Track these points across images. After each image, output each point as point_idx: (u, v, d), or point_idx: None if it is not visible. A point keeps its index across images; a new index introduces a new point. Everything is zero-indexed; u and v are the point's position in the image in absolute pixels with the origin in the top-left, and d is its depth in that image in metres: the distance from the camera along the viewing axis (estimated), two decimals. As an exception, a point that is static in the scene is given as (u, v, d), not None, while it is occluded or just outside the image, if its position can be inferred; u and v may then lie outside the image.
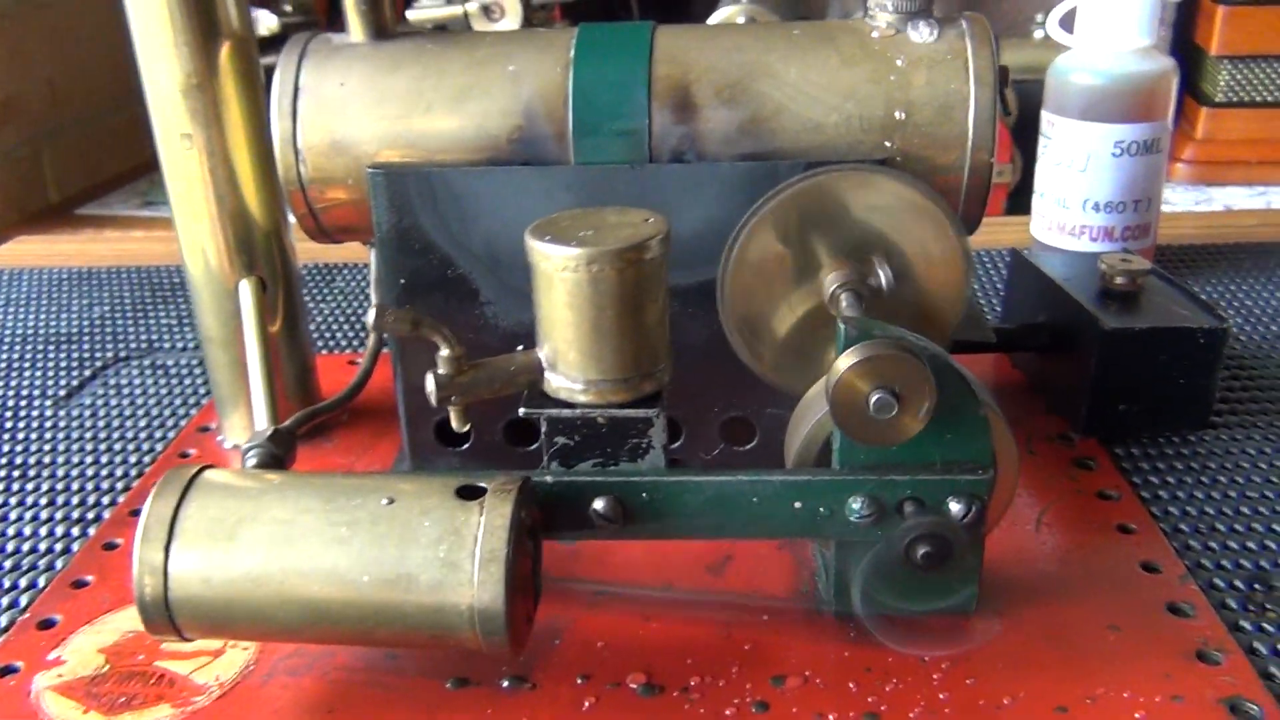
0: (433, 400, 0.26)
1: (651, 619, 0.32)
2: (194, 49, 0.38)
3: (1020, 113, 0.99)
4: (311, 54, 0.37)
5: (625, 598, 0.33)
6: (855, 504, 0.29)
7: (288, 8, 1.05)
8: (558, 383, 0.27)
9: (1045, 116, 0.54)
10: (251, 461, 0.31)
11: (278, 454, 0.32)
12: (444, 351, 0.26)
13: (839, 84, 0.35)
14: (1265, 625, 0.31)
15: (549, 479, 0.29)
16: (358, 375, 0.42)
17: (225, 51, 0.38)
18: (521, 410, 0.27)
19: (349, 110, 0.36)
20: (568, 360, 0.27)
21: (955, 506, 0.29)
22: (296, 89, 0.36)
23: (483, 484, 0.27)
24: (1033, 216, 0.56)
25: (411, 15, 1.05)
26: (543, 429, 0.29)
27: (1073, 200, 0.53)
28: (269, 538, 0.26)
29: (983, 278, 0.58)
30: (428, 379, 0.26)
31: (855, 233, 0.33)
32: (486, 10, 1.04)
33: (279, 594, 0.26)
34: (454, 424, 0.27)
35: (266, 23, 1.01)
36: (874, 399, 0.27)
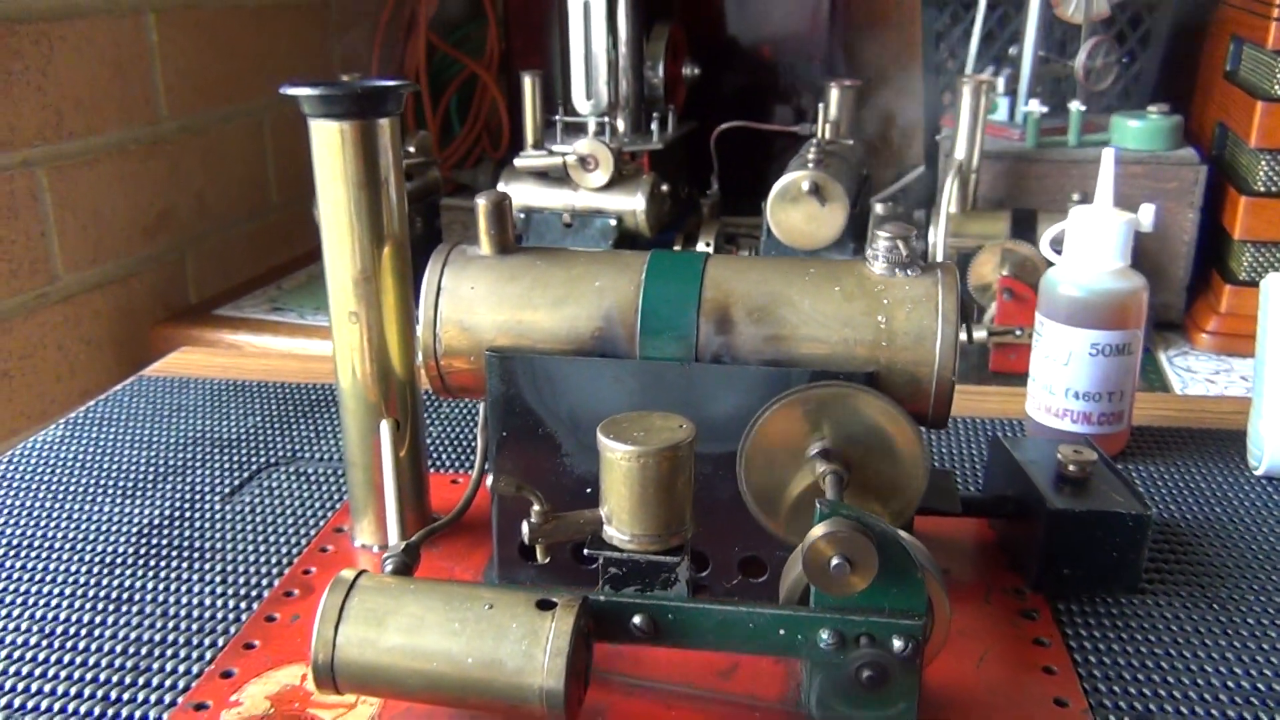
0: (526, 541, 0.38)
1: (672, 709, 0.43)
2: (365, 251, 0.51)
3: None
4: (451, 263, 0.50)
5: (653, 691, 0.44)
6: (824, 634, 0.40)
7: (411, 149, 1.21)
8: (612, 534, 0.39)
9: (1038, 317, 0.65)
10: (389, 568, 0.43)
11: (408, 562, 0.44)
12: (536, 507, 0.38)
13: (840, 314, 0.46)
14: (1140, 755, 0.41)
15: (602, 599, 0.40)
16: (462, 500, 0.54)
17: (387, 252, 0.51)
18: (586, 550, 0.39)
19: (476, 308, 0.49)
20: (620, 519, 0.38)
21: (897, 643, 0.39)
22: (439, 289, 0.49)
23: (555, 600, 0.39)
24: (1027, 397, 0.67)
25: (518, 162, 1.21)
26: (600, 563, 0.40)
27: (1057, 388, 0.64)
28: (405, 627, 0.38)
29: (983, 447, 0.68)
30: (523, 526, 0.38)
31: (843, 429, 0.44)
32: (583, 161, 1.19)
33: (409, 666, 0.38)
34: (539, 557, 0.39)
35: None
36: (833, 563, 0.37)
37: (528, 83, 1.19)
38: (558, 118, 1.27)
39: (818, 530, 0.38)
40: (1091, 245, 0.62)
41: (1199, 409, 0.73)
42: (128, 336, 1.23)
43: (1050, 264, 0.66)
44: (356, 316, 0.52)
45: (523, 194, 1.18)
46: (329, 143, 0.49)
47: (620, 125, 1.29)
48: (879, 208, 1.08)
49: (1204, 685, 0.45)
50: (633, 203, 1.16)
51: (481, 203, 0.49)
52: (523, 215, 1.17)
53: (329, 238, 0.51)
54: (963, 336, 0.46)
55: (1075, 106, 1.16)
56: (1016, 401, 0.71)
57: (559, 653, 0.37)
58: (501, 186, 1.18)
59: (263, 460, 0.65)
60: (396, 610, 0.38)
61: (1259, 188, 1.08)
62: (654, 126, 1.28)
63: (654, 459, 0.37)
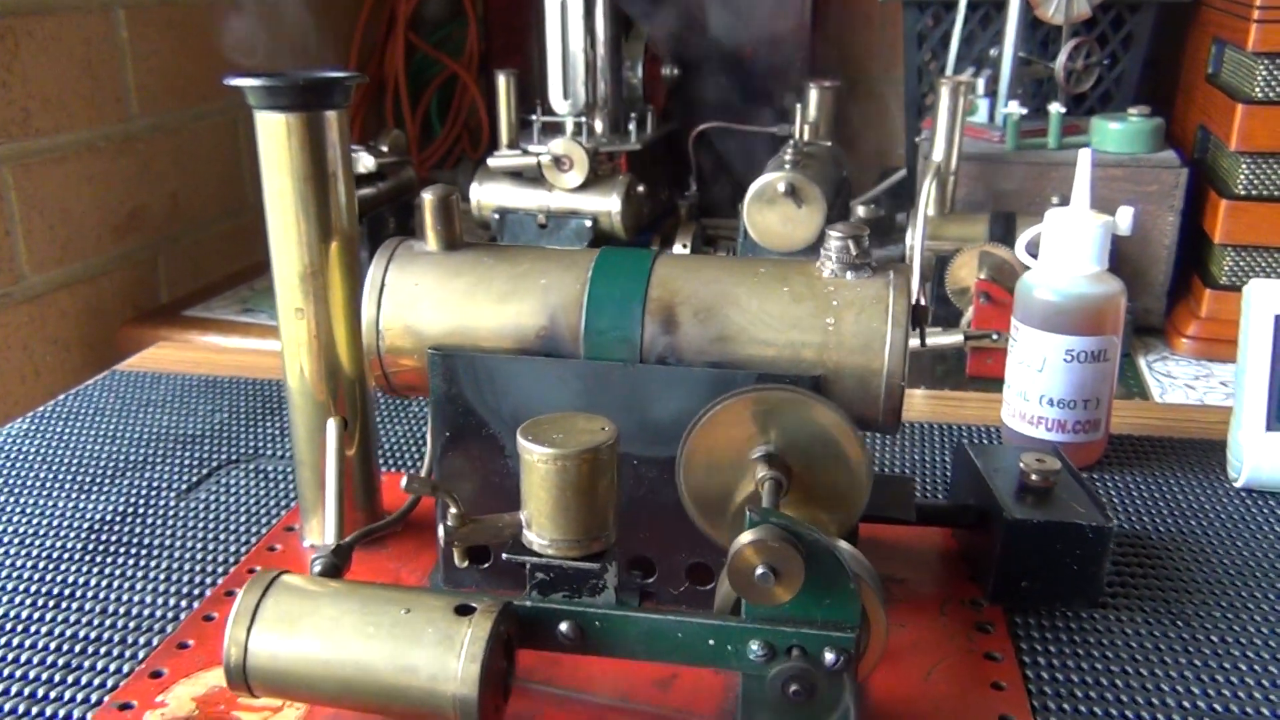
0: (441, 544, 0.37)
1: None
2: (312, 245, 0.50)
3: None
4: (397, 258, 0.49)
5: (586, 703, 0.43)
6: (754, 645, 0.38)
7: (384, 148, 1.20)
8: (531, 538, 0.37)
9: (1013, 322, 0.63)
10: (317, 568, 0.42)
11: (337, 564, 0.43)
12: (452, 510, 0.37)
13: (788, 316, 0.45)
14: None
15: (527, 604, 0.39)
16: (407, 502, 0.53)
17: (335, 247, 0.50)
18: (504, 556, 0.38)
19: (420, 304, 0.48)
20: (539, 523, 0.37)
21: (829, 655, 0.38)
22: (383, 285, 0.48)
23: (474, 605, 0.37)
24: (1002, 404, 0.65)
25: (492, 162, 1.20)
26: (526, 568, 0.39)
27: (1032, 394, 0.62)
28: (320, 629, 0.37)
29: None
30: (439, 528, 0.37)
31: (785, 433, 0.43)
32: (558, 161, 1.18)
33: (322, 671, 0.37)
34: (456, 560, 0.38)
35: (365, 163, 1.16)
36: (758, 572, 0.36)
37: (502, 82, 1.18)
38: (535, 117, 1.26)
39: (744, 538, 0.37)
40: (1067, 249, 0.61)
41: (1180, 418, 0.71)
42: (96, 337, 1.22)
43: (1027, 268, 0.64)
44: (303, 313, 0.51)
45: (497, 194, 1.18)
46: (274, 135, 0.49)
47: (598, 125, 1.28)
48: (859, 210, 1.06)
49: (1158, 705, 0.43)
50: (608, 203, 1.15)
51: (427, 197, 0.48)
52: (497, 215, 1.16)
53: (275, 232, 0.50)
54: (914, 342, 0.45)
55: (1055, 108, 1.14)
56: (993, 408, 0.69)
57: (474, 659, 0.36)
58: (476, 186, 1.17)
59: (223, 457, 0.65)
60: (312, 612, 0.37)
61: (1240, 191, 1.06)
62: (632, 127, 1.27)
63: (573, 462, 0.36)
